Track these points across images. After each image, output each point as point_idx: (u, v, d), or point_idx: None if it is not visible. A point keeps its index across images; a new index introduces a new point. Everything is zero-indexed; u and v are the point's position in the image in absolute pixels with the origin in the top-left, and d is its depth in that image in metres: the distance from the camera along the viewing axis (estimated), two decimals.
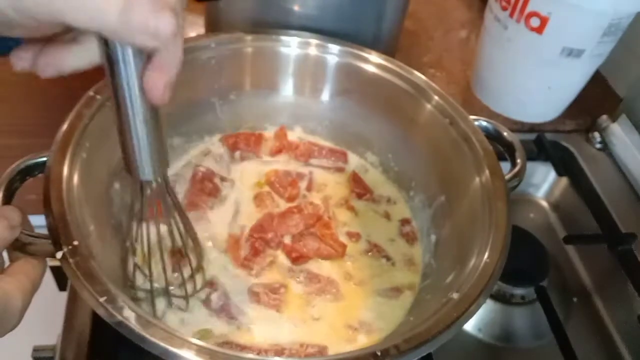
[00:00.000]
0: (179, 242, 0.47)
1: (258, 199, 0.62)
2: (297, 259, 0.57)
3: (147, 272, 0.48)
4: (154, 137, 0.37)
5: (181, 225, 0.47)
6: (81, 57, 0.34)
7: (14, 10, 0.28)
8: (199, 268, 0.52)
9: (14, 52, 0.33)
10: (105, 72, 0.33)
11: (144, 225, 0.46)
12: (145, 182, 0.41)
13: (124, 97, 0.34)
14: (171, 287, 0.51)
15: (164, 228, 0.47)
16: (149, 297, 0.49)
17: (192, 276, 0.51)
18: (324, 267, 0.58)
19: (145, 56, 0.32)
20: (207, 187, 0.61)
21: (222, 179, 0.63)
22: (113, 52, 0.32)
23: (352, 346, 0.51)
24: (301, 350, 0.50)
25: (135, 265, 0.49)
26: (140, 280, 0.50)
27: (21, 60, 0.33)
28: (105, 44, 0.32)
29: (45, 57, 0.33)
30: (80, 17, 0.28)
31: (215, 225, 0.59)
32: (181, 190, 0.61)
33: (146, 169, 0.39)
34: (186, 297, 0.50)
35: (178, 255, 0.49)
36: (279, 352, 0.50)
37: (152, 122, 0.36)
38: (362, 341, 0.52)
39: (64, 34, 0.33)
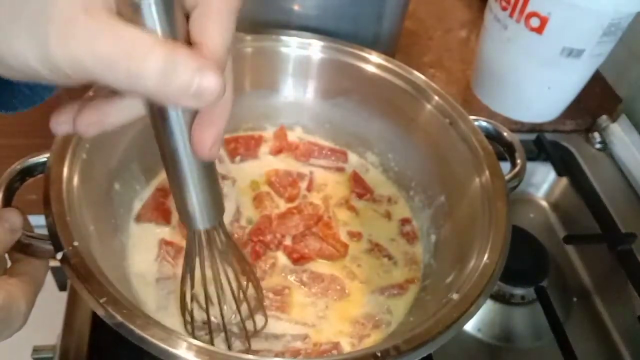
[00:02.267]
0: (236, 287, 0.46)
1: (257, 200, 0.62)
2: (298, 259, 0.57)
3: (205, 316, 0.47)
4: (206, 187, 0.35)
5: (239, 270, 0.46)
6: (126, 111, 0.31)
7: (43, 67, 0.25)
8: (259, 308, 0.50)
9: (52, 118, 0.31)
10: (151, 125, 0.32)
11: (200, 271, 0.44)
12: (199, 230, 0.39)
13: (171, 151, 0.32)
14: (230, 329, 0.49)
15: (221, 272, 0.45)
16: (208, 339, 0.48)
17: (251, 317, 0.49)
18: (326, 267, 0.58)
19: (194, 110, 0.31)
20: None
21: (223, 177, 0.63)
22: (158, 109, 0.30)
23: (362, 344, 0.52)
24: (315, 349, 0.50)
25: (193, 311, 0.47)
26: (199, 323, 0.49)
27: (60, 124, 0.31)
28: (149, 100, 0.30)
29: (86, 117, 0.30)
30: (117, 79, 0.25)
31: None
32: None
33: (199, 219, 0.37)
34: (247, 338, 0.49)
35: (236, 298, 0.47)
36: (295, 353, 0.50)
37: (204, 173, 0.34)
38: (371, 338, 0.52)
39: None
